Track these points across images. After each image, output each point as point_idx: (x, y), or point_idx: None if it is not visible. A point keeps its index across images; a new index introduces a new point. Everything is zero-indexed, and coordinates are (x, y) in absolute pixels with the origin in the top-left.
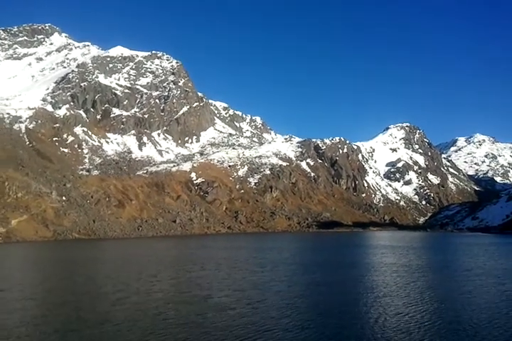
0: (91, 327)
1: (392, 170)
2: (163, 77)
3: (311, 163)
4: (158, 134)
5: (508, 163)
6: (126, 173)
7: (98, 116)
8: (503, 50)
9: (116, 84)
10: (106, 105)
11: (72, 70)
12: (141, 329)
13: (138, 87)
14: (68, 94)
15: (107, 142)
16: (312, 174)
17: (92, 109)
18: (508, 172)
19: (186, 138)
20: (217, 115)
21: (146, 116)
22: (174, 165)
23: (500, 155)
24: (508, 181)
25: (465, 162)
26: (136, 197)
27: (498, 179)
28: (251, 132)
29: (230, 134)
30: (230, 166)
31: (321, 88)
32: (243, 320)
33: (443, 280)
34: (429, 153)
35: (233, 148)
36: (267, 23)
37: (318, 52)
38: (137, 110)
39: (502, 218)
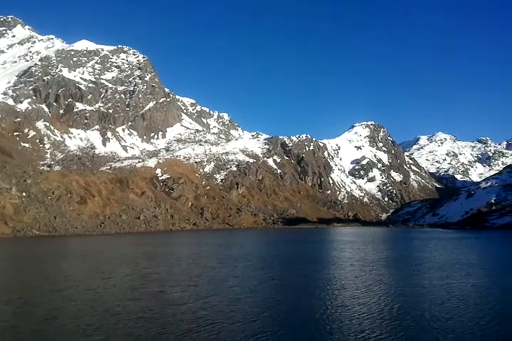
0: (37, 323)
1: (357, 167)
2: (129, 71)
3: (278, 160)
4: (123, 129)
5: (468, 161)
6: (89, 169)
7: (61, 111)
8: (464, 47)
9: (81, 78)
10: (69, 99)
11: (35, 64)
12: (87, 325)
13: (103, 81)
14: (30, 87)
15: (70, 137)
16: (279, 171)
17: (54, 104)
18: (468, 170)
19: (152, 134)
20: (184, 111)
21: (110, 111)
22: (139, 161)
23: (460, 154)
24: (467, 179)
25: (427, 160)
26: (99, 193)
27: (458, 177)
28: (218, 129)
29: (197, 130)
30: (196, 162)
31: (287, 86)
32: (193, 314)
33: (394, 273)
34: (393, 151)
35: (200, 145)
36: (235, 21)
37: (284, 50)
38: (101, 105)
39: (461, 214)
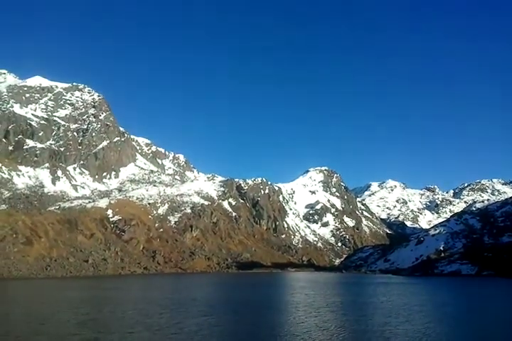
0: None
1: (311, 211)
2: (83, 109)
3: (233, 203)
4: (74, 168)
5: (417, 208)
6: (37, 208)
7: (10, 147)
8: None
9: (32, 114)
10: (19, 136)
11: None
12: None
13: (55, 118)
14: None
15: (18, 175)
16: (233, 214)
17: (4, 140)
18: (417, 217)
19: (104, 174)
20: (139, 151)
21: (62, 149)
22: (89, 201)
23: (410, 201)
24: (417, 225)
25: (378, 206)
26: (46, 234)
27: (408, 223)
28: (173, 170)
29: (152, 171)
30: (149, 204)
31: (243, 130)
32: None
33: (338, 319)
34: (345, 197)
35: (154, 186)
36: (190, 63)
37: (239, 94)
38: (53, 142)
39: (412, 261)
